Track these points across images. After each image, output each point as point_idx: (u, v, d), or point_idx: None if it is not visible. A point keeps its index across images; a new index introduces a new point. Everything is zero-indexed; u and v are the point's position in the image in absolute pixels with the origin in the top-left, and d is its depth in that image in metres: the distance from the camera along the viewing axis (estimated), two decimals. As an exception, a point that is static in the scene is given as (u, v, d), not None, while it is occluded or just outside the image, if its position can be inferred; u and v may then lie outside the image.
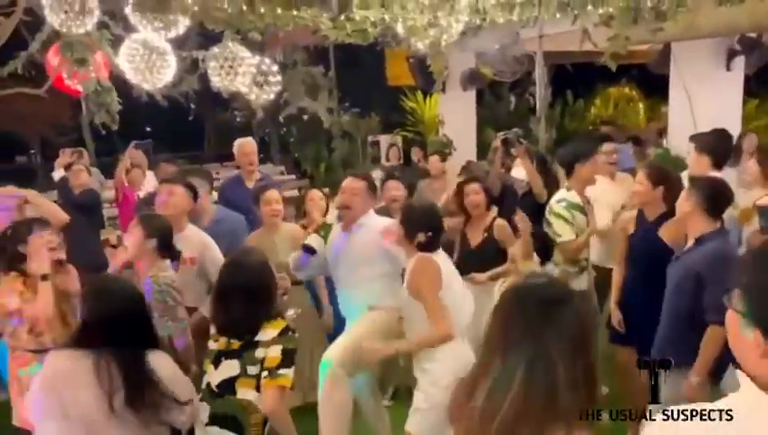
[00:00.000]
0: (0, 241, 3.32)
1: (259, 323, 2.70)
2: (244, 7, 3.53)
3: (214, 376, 2.69)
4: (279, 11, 3.58)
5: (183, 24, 3.93)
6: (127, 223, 6.46)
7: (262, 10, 3.55)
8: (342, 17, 3.85)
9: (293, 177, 14.15)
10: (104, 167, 8.45)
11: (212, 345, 2.77)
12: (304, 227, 4.22)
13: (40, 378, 2.45)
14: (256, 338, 2.67)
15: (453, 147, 9.38)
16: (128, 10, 3.98)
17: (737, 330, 1.22)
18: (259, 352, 2.65)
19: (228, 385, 2.65)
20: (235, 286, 2.72)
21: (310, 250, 3.63)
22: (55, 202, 5.06)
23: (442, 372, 2.94)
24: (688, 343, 2.96)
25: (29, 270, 3.22)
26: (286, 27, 3.96)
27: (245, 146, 5.39)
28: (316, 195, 4.52)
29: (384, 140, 11.27)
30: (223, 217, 4.38)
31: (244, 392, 2.64)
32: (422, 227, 3.09)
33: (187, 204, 3.89)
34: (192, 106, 5.90)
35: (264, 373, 2.63)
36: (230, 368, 2.66)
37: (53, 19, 3.89)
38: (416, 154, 9.09)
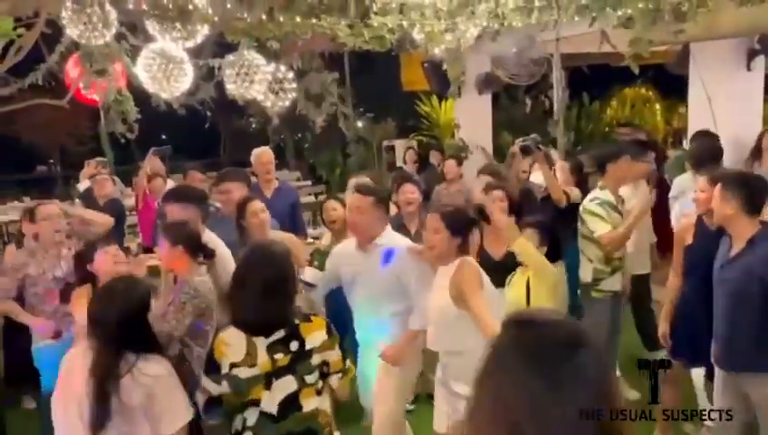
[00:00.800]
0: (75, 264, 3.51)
1: (286, 317, 2.54)
2: (264, 17, 3.52)
3: (267, 402, 2.47)
4: (298, 19, 3.58)
5: (201, 34, 3.94)
6: (148, 230, 6.53)
7: (281, 19, 3.54)
8: (360, 24, 3.84)
9: (309, 182, 14.20)
10: (122, 175, 8.52)
11: (249, 372, 2.45)
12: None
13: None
14: (307, 347, 2.52)
15: (469, 151, 9.35)
16: (147, 21, 4.00)
17: None
18: (314, 359, 2.53)
19: (291, 403, 2.50)
20: (266, 277, 2.49)
21: (309, 285, 3.57)
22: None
23: None
24: (763, 348, 2.90)
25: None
26: (305, 35, 3.95)
27: (263, 156, 5.42)
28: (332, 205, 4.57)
29: (399, 144, 11.27)
30: None
31: (309, 403, 2.52)
32: (465, 230, 3.07)
33: (199, 219, 3.86)
34: (209, 114, 5.91)
35: (338, 375, 2.61)
36: (286, 385, 2.49)
37: (72, 31, 3.92)
38: (434, 157, 9.07)
